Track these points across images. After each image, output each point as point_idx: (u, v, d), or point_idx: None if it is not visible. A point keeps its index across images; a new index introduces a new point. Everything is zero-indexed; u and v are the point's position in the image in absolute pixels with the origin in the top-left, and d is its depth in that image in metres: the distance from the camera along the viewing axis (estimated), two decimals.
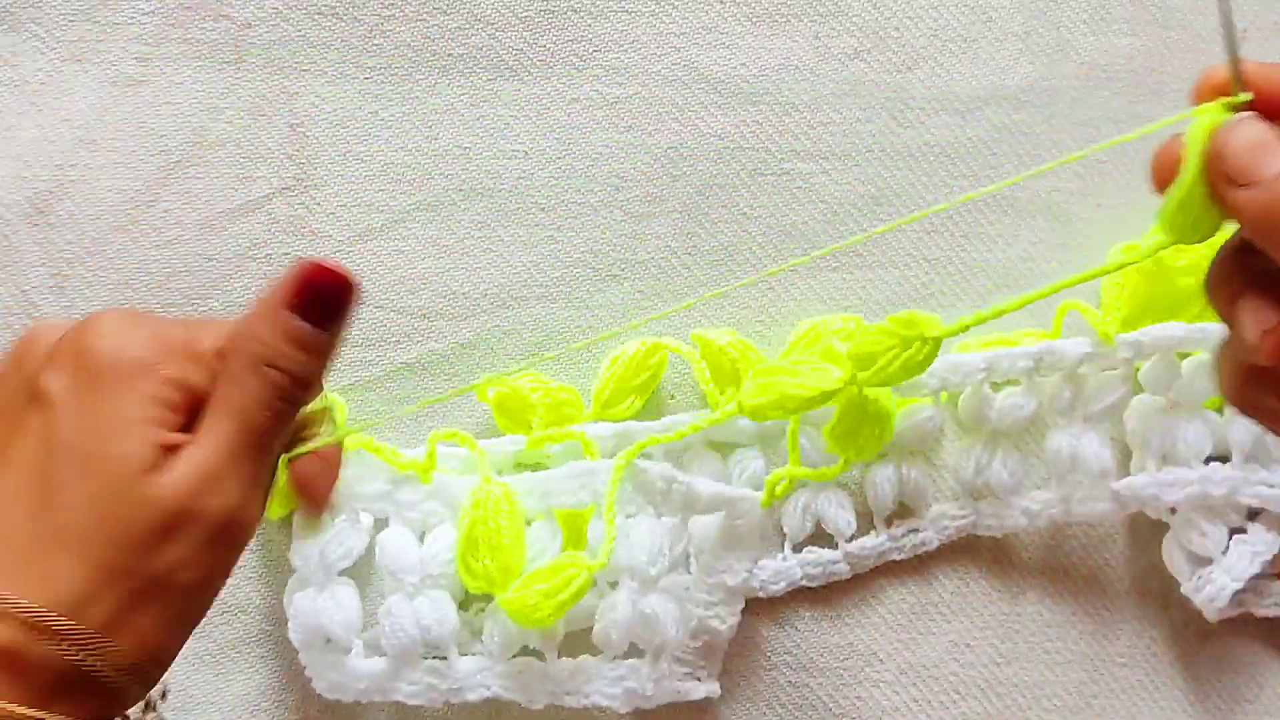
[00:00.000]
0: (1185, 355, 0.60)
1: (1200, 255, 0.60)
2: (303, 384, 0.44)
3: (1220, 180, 0.39)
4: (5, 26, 0.60)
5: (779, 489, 0.58)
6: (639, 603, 0.56)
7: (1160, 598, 0.62)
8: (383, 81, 0.61)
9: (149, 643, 0.41)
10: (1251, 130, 0.39)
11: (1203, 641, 0.62)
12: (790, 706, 0.61)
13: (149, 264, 0.60)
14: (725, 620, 0.57)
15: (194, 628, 0.43)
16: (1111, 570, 0.62)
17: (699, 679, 0.58)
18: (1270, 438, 0.59)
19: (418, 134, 0.61)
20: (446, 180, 0.61)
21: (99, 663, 0.39)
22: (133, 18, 0.60)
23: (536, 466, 0.59)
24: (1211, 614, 0.60)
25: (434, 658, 0.57)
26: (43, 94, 0.59)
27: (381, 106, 0.61)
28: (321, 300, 0.44)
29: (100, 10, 0.60)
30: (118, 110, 0.60)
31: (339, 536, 0.56)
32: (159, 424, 0.42)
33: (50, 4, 0.60)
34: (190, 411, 0.43)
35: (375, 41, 0.61)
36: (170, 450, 0.42)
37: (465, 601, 0.58)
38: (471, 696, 0.57)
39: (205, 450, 0.42)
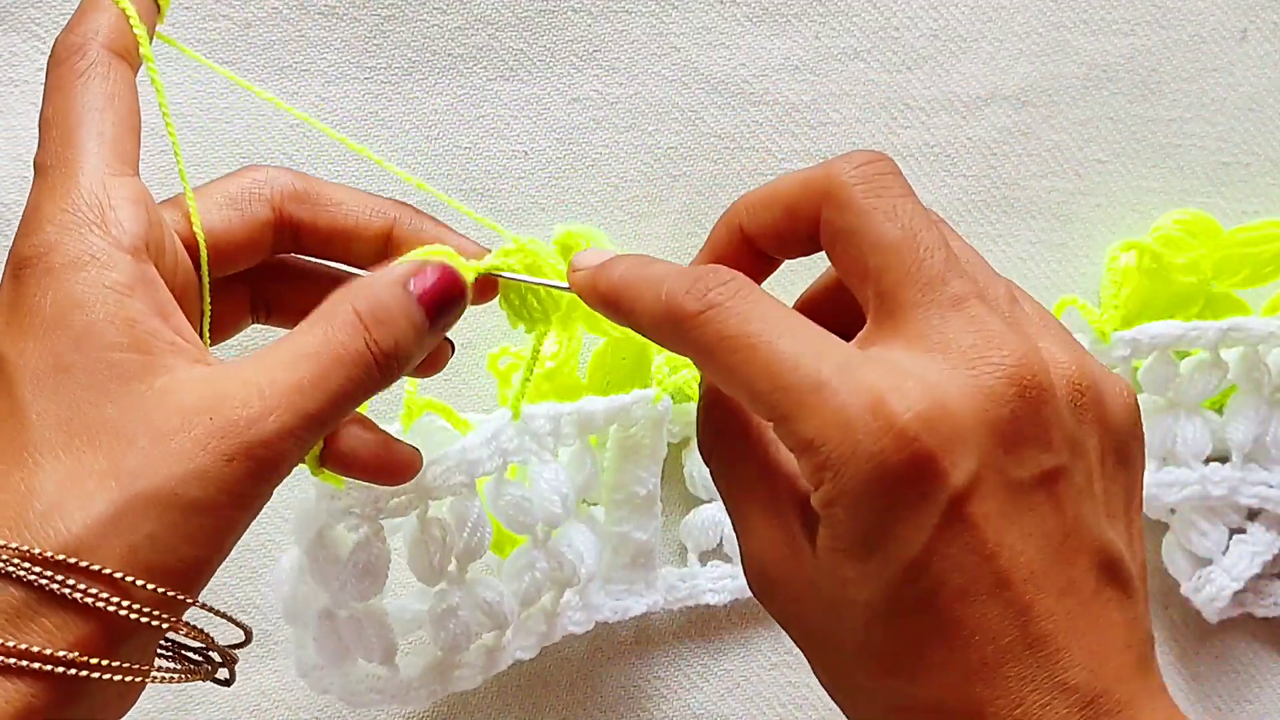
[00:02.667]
0: (1183, 354, 0.60)
1: (1200, 255, 0.60)
2: (397, 365, 0.40)
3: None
4: (5, 26, 0.59)
5: (667, 383, 0.58)
6: (549, 544, 0.55)
7: (1160, 598, 0.62)
8: (383, 81, 0.61)
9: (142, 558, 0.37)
10: (608, 277, 0.42)
11: (1203, 641, 0.62)
12: (790, 706, 0.61)
13: None
14: (646, 529, 0.57)
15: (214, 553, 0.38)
16: None
17: (639, 594, 0.58)
18: (1270, 438, 0.59)
19: (418, 134, 0.61)
20: (446, 180, 0.61)
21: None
22: None
23: None
24: (1211, 614, 0.60)
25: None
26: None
27: (381, 106, 0.61)
28: (445, 308, 0.41)
29: None
30: None
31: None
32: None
33: (50, 4, 0.60)
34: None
35: (375, 41, 0.61)
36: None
37: None
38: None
39: (270, 369, 0.38)
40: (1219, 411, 0.61)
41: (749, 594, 0.60)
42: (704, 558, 0.61)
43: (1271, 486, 0.59)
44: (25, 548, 0.35)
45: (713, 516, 0.60)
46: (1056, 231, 0.63)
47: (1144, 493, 0.59)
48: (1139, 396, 0.60)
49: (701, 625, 0.61)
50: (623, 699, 0.60)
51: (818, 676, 0.40)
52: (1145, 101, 0.63)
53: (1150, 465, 0.60)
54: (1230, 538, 0.60)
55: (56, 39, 0.41)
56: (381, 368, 0.40)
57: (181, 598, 0.37)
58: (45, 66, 0.42)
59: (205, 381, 0.38)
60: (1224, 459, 0.60)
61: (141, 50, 0.42)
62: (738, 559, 0.60)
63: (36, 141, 0.39)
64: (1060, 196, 0.63)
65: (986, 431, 0.36)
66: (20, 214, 0.58)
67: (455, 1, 0.61)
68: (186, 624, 0.39)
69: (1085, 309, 0.59)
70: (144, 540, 0.36)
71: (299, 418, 0.38)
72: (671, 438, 0.60)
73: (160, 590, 0.36)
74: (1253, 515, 0.61)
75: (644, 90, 0.61)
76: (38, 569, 0.35)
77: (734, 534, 0.41)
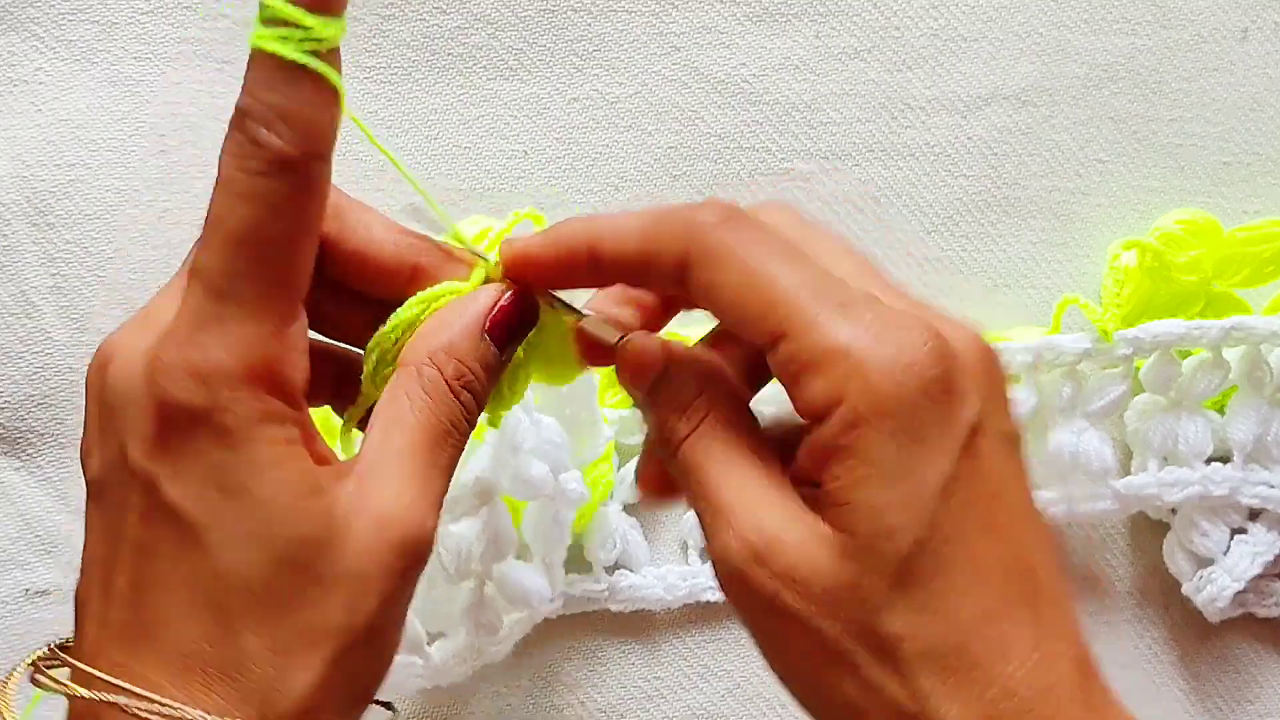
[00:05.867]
0: (1185, 354, 0.60)
1: (1201, 254, 0.60)
2: (477, 414, 0.41)
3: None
4: (5, 26, 0.60)
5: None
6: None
7: (1161, 598, 0.62)
8: (383, 81, 0.61)
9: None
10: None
11: (1203, 641, 0.62)
12: (790, 706, 0.61)
13: (149, 264, 0.60)
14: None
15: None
16: (1112, 571, 0.62)
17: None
18: (1271, 438, 0.59)
19: (418, 134, 0.61)
20: (446, 180, 0.61)
21: None
22: (133, 18, 0.60)
23: None
24: (1213, 614, 0.60)
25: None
26: (43, 94, 0.59)
27: (381, 106, 0.61)
28: (514, 329, 0.41)
29: (100, 10, 0.60)
30: (118, 110, 0.60)
31: None
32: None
33: (50, 4, 0.60)
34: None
35: (375, 41, 0.61)
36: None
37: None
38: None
39: (387, 468, 0.38)
40: (1220, 411, 0.61)
41: None
42: (704, 554, 0.61)
43: (1273, 486, 0.59)
44: None
45: None
46: (1057, 231, 0.62)
47: (1145, 492, 0.59)
48: (1140, 396, 0.60)
49: (702, 623, 0.61)
50: (623, 699, 0.60)
51: (803, 675, 0.38)
52: (1146, 101, 0.63)
53: (1151, 465, 0.59)
54: (1231, 538, 0.60)
55: (275, 145, 0.37)
56: (470, 422, 0.40)
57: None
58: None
59: (361, 503, 0.37)
60: (1225, 459, 0.60)
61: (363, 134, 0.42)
62: None
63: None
64: (1061, 196, 0.62)
65: (976, 376, 0.37)
66: (18, 214, 0.59)
67: (455, 1, 0.61)
68: None
69: (1087, 308, 0.59)
70: (357, 680, 0.38)
71: (436, 505, 0.38)
72: None
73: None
74: (1254, 515, 0.61)
75: (644, 90, 0.61)
76: None
77: (709, 527, 0.39)
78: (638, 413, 0.59)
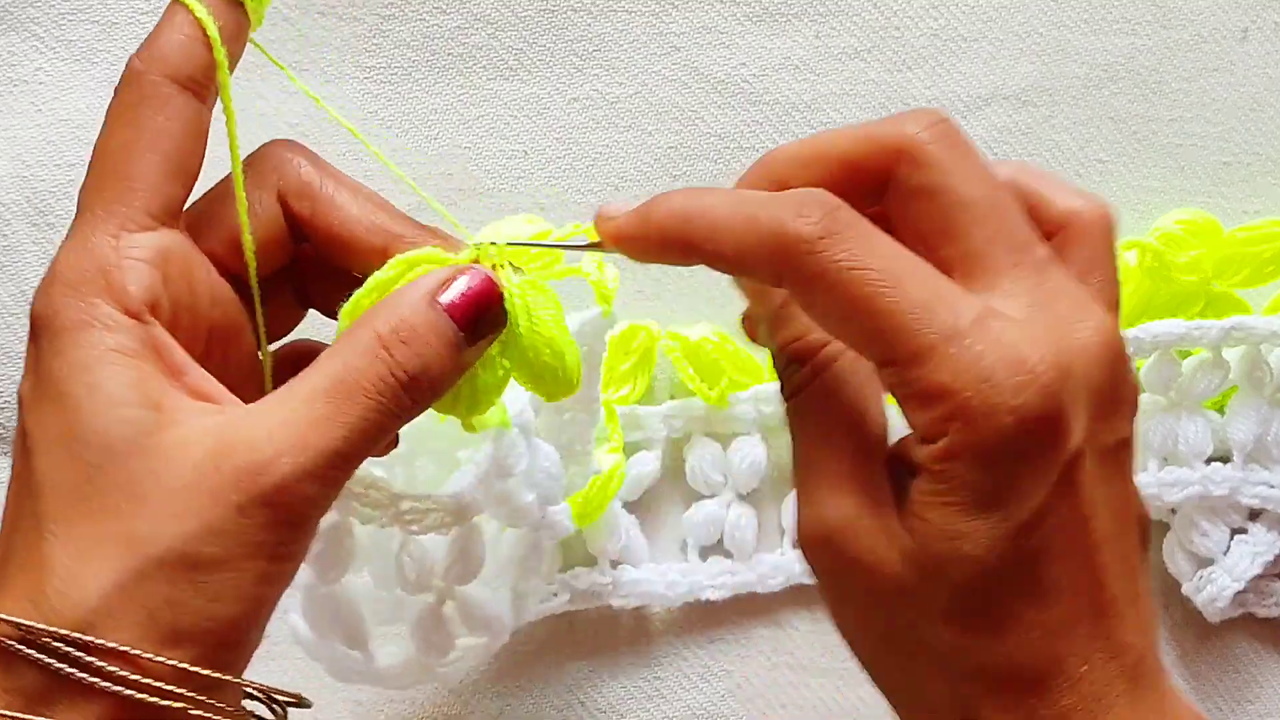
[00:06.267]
0: (1185, 353, 0.60)
1: (1201, 254, 0.60)
2: (429, 388, 0.38)
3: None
4: (5, 26, 0.60)
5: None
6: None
7: (1160, 598, 0.62)
8: (383, 81, 0.61)
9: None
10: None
11: (1203, 641, 0.62)
12: (790, 707, 0.61)
13: None
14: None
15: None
16: None
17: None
18: (1271, 438, 0.59)
19: (418, 134, 0.61)
20: (446, 180, 0.61)
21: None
22: (133, 18, 0.60)
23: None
24: (1212, 614, 0.60)
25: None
26: (43, 94, 0.59)
27: (381, 106, 0.61)
28: (481, 319, 0.39)
29: (100, 10, 0.60)
30: None
31: None
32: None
33: (50, 4, 0.60)
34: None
35: (375, 41, 0.61)
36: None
37: None
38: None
39: (291, 409, 0.36)
40: (1220, 411, 0.61)
41: (748, 590, 0.60)
42: (704, 553, 0.61)
43: (1273, 487, 0.59)
44: (39, 625, 0.34)
45: (713, 512, 0.60)
46: None
47: (1145, 492, 0.59)
48: (1140, 396, 0.60)
49: (702, 623, 0.61)
50: (623, 699, 0.60)
51: (863, 645, 0.39)
52: (1146, 101, 0.63)
53: (1152, 465, 0.59)
54: (1231, 538, 0.60)
55: (131, 64, 0.39)
56: (410, 391, 0.37)
57: (204, 672, 0.35)
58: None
59: (216, 431, 0.36)
60: (1225, 459, 0.60)
61: (219, 77, 0.40)
62: (738, 555, 0.60)
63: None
64: None
65: (1089, 395, 0.36)
66: (18, 214, 0.59)
67: (455, 1, 0.61)
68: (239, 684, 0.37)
69: None
70: (162, 605, 0.35)
71: (317, 456, 0.36)
72: (674, 432, 0.60)
73: (181, 665, 0.35)
74: (1254, 515, 0.61)
75: (644, 90, 0.61)
76: (55, 645, 0.34)
77: (797, 492, 0.39)
78: (641, 409, 0.60)
